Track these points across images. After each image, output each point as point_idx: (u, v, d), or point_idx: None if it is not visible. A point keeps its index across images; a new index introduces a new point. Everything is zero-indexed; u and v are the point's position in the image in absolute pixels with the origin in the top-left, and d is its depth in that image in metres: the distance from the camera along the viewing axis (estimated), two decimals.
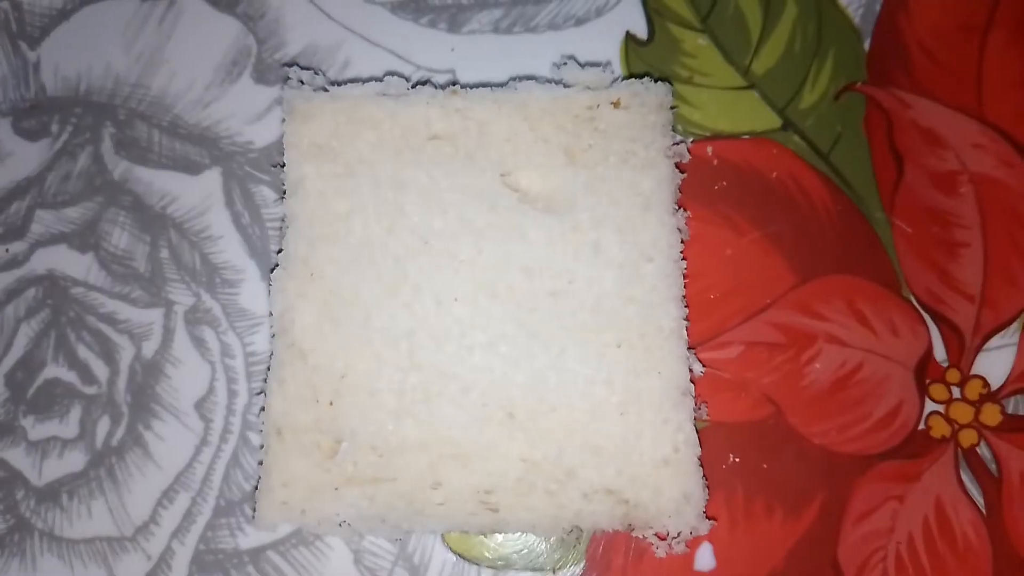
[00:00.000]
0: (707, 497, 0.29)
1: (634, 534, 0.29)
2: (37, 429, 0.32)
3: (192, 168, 0.33)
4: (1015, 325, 0.32)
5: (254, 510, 0.29)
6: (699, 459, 0.29)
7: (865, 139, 0.33)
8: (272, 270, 0.30)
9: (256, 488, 0.29)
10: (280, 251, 0.30)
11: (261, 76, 0.34)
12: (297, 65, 0.34)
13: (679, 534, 0.28)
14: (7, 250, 0.33)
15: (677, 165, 0.31)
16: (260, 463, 0.29)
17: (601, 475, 0.28)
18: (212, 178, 0.33)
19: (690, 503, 0.28)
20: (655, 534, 0.29)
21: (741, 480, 0.31)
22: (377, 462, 0.28)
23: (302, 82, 0.31)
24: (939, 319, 0.32)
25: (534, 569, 0.31)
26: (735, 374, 0.32)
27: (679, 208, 0.30)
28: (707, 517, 0.29)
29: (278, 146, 0.33)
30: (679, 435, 0.29)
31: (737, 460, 0.31)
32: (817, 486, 0.31)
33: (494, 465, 0.28)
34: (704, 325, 0.32)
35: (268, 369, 0.29)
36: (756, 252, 0.33)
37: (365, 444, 0.28)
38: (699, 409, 0.30)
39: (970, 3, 0.34)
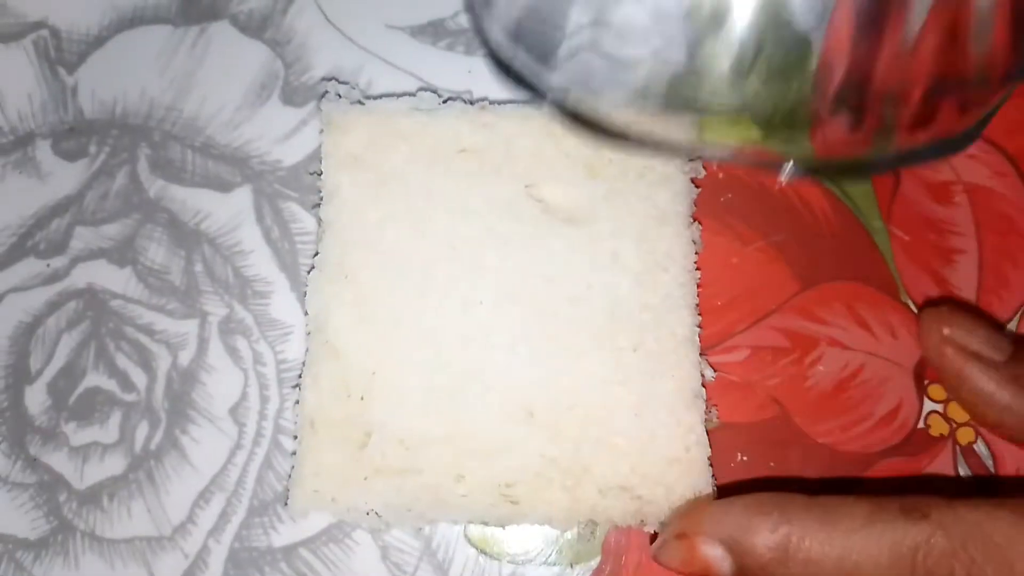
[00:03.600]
0: (716, 495, 0.30)
1: (646, 529, 0.30)
2: (78, 435, 0.33)
3: (224, 186, 0.35)
4: (1009, 327, 0.34)
5: (287, 501, 0.30)
6: (708, 459, 0.30)
7: None
8: (309, 272, 0.32)
9: (289, 478, 0.31)
10: (316, 255, 0.32)
11: (289, 98, 0.36)
12: (336, 79, 0.36)
13: None
14: (48, 265, 0.35)
15: (692, 180, 0.33)
16: (293, 453, 0.31)
17: (615, 472, 0.30)
18: (243, 195, 0.35)
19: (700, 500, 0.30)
20: None
21: (749, 478, 0.32)
22: (404, 455, 0.30)
23: (339, 95, 0.33)
24: None
25: (552, 564, 0.32)
26: (742, 377, 0.33)
27: (694, 221, 0.32)
28: None
29: (306, 164, 0.35)
30: (691, 436, 0.30)
31: (745, 459, 0.33)
32: (822, 484, 0.32)
33: (514, 460, 0.30)
34: (712, 330, 0.33)
35: (303, 365, 0.31)
36: (761, 260, 0.34)
37: (393, 437, 0.30)
38: (709, 412, 0.31)
39: None
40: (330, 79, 0.36)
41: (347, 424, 0.30)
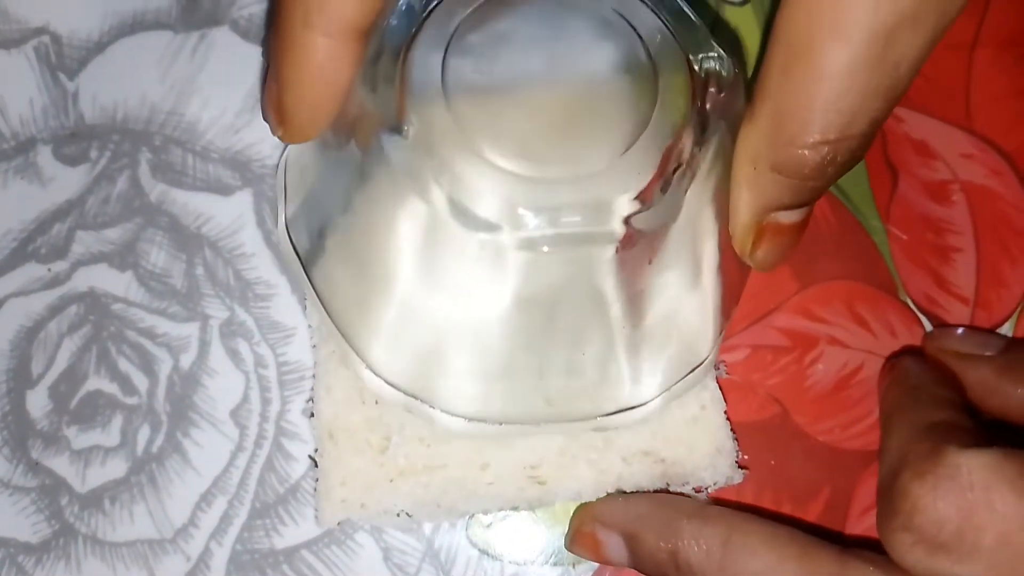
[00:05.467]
0: (738, 449, 0.31)
1: (671, 490, 0.31)
2: (80, 438, 0.33)
3: (225, 190, 0.35)
4: (1007, 325, 0.34)
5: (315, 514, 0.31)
6: (725, 413, 0.31)
7: None
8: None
9: (315, 491, 0.31)
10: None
11: None
12: None
13: (715, 484, 0.31)
14: (49, 269, 0.35)
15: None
16: (315, 465, 0.31)
17: (636, 438, 0.30)
18: (244, 199, 0.35)
19: (723, 455, 0.31)
20: (693, 488, 0.31)
21: (750, 476, 0.32)
22: (426, 452, 0.30)
23: None
24: (935, 320, 0.34)
25: (554, 564, 0.32)
26: (742, 376, 0.33)
27: None
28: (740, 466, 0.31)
29: None
30: (704, 393, 0.31)
31: (746, 457, 0.33)
32: (823, 481, 0.33)
33: (536, 442, 0.30)
34: None
35: (313, 377, 0.31)
36: None
37: (413, 436, 0.30)
38: (719, 368, 0.32)
39: (957, 24, 0.36)
40: None
41: (366, 430, 0.30)
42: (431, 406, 0.29)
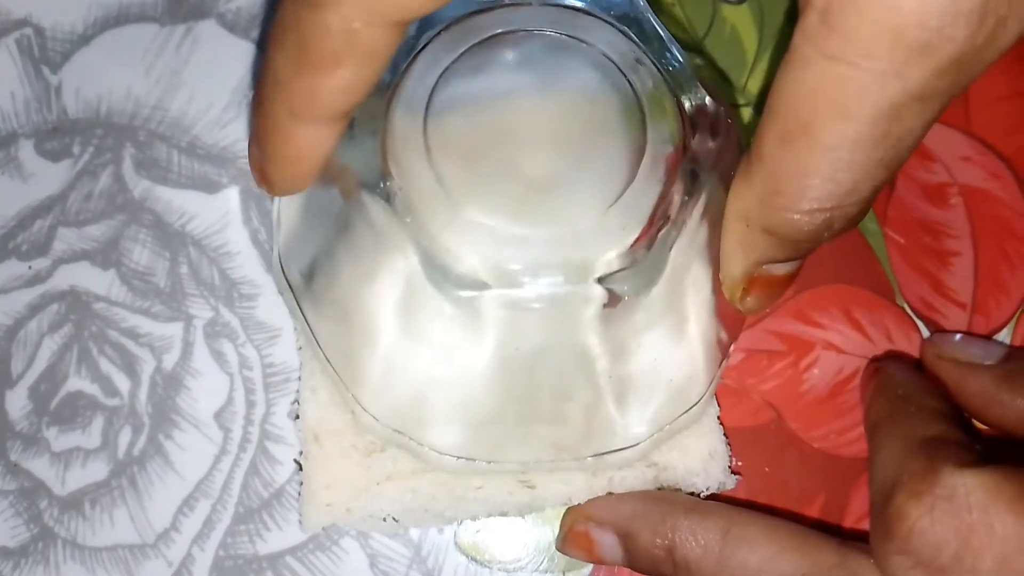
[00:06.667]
0: (731, 454, 0.31)
1: None
2: (60, 440, 0.33)
3: (210, 187, 0.35)
4: (1005, 331, 0.33)
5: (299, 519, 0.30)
6: (718, 418, 0.31)
7: None
8: None
9: (299, 495, 0.30)
10: None
11: None
12: None
13: (707, 489, 0.30)
14: (30, 267, 0.34)
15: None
16: (300, 468, 0.30)
17: None
18: (230, 196, 0.34)
19: (715, 460, 0.30)
20: (686, 494, 0.30)
21: (744, 483, 0.32)
22: (413, 456, 0.29)
23: None
24: (932, 326, 0.33)
25: (543, 572, 0.32)
26: (736, 381, 0.33)
27: None
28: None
29: None
30: None
31: (740, 464, 0.32)
32: (817, 488, 0.32)
33: (527, 448, 0.29)
34: None
35: (299, 379, 0.30)
36: None
37: None
38: None
39: None
40: None
41: (352, 432, 0.30)
42: (419, 443, 0.28)
